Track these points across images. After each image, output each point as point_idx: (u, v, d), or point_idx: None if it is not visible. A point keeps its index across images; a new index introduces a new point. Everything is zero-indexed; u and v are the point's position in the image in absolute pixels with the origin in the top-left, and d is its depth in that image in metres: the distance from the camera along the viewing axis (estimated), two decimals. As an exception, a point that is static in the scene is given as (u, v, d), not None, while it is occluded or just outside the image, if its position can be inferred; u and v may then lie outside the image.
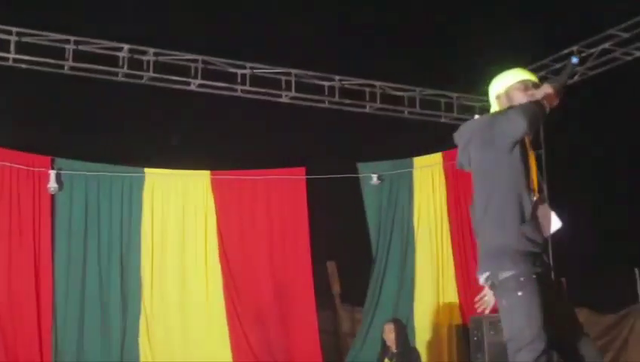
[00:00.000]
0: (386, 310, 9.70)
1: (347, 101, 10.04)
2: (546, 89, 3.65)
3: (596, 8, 9.40)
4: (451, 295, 10.06)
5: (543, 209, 3.62)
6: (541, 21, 10.94)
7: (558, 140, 10.99)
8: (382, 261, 10.01)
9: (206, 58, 9.18)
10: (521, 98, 3.71)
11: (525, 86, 3.78)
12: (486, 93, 11.14)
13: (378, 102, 10.19)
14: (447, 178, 10.42)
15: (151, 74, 8.93)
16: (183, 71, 9.14)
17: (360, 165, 10.17)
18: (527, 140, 3.66)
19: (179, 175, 9.46)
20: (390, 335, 8.11)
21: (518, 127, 3.48)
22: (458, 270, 10.12)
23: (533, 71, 10.23)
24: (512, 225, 3.55)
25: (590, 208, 11.43)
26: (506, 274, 3.50)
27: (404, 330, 8.34)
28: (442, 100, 10.70)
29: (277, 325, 9.33)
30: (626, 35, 9.38)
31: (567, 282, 11.09)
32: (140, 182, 9.25)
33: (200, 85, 9.24)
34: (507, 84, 3.83)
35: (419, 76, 10.37)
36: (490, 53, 11.25)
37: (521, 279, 3.46)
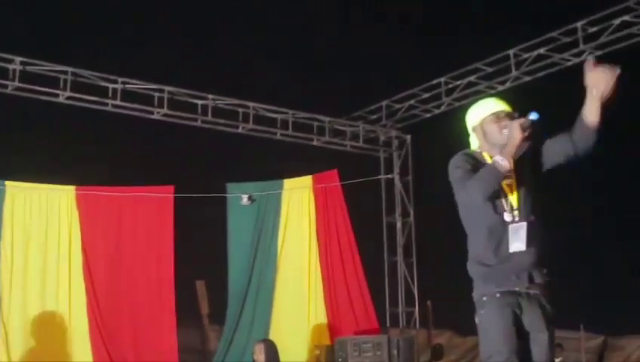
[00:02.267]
0: (245, 330, 9.69)
1: (220, 120, 9.98)
2: (514, 131, 3.68)
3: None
4: (320, 316, 10.13)
5: (516, 227, 3.71)
6: (412, 54, 11.35)
7: (421, 168, 11.35)
8: (243, 281, 9.99)
9: (77, 70, 8.94)
10: (494, 131, 3.81)
11: (497, 117, 3.84)
12: (355, 119, 11.49)
13: (251, 123, 10.19)
14: (316, 200, 10.51)
15: (16, 83, 8.61)
16: (52, 82, 8.86)
17: (229, 185, 10.14)
18: None
19: (42, 189, 9.15)
20: (260, 356, 8.07)
21: (474, 199, 3.69)
22: (327, 292, 10.21)
23: (403, 99, 10.69)
24: (471, 248, 3.84)
25: (454, 235, 11.84)
26: (473, 296, 3.80)
27: (273, 351, 8.32)
28: (315, 123, 10.82)
29: (138, 344, 9.19)
30: (490, 70, 9.85)
31: (433, 305, 11.48)
32: (0, 194, 8.89)
33: (69, 98, 8.97)
34: (481, 117, 3.90)
35: (292, 99, 10.48)
36: (365, 79, 11.61)
37: (484, 298, 3.71)
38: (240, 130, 10.23)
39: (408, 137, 11.38)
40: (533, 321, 3.65)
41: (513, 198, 3.75)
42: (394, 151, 11.42)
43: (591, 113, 3.51)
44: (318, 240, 10.40)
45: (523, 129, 3.63)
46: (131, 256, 9.47)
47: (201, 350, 10.51)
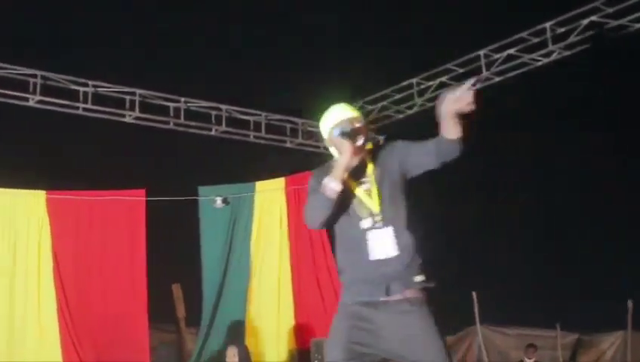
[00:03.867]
0: (219, 333, 9.67)
1: (192, 123, 9.95)
2: (342, 148, 3.50)
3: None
4: (289, 319, 10.13)
5: (376, 233, 3.52)
6: (383, 53, 11.37)
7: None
8: (217, 284, 9.97)
9: (46, 74, 8.87)
10: (339, 144, 3.55)
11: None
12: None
13: (224, 125, 10.17)
14: (288, 203, 10.48)
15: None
16: (22, 86, 8.78)
17: (200, 188, 10.09)
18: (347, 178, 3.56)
19: (11, 194, 9.07)
20: (233, 359, 8.06)
21: (310, 226, 3.62)
22: (296, 295, 10.20)
23: (376, 100, 10.72)
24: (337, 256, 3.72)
25: (432, 234, 11.88)
26: None
27: (246, 354, 8.32)
28: (288, 125, 10.83)
29: (110, 349, 9.12)
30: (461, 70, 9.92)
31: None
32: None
33: (39, 102, 8.91)
34: (327, 129, 3.69)
35: (265, 101, 10.47)
36: (338, 80, 11.62)
37: (339, 308, 3.56)
38: (213, 133, 10.21)
39: (381, 138, 11.40)
40: (394, 333, 3.41)
41: (373, 204, 3.55)
42: (368, 152, 11.42)
43: (448, 132, 3.33)
44: (289, 241, 10.38)
45: (353, 141, 3.46)
46: (103, 260, 9.42)
47: (178, 353, 10.44)
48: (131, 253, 9.53)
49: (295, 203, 10.47)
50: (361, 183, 3.58)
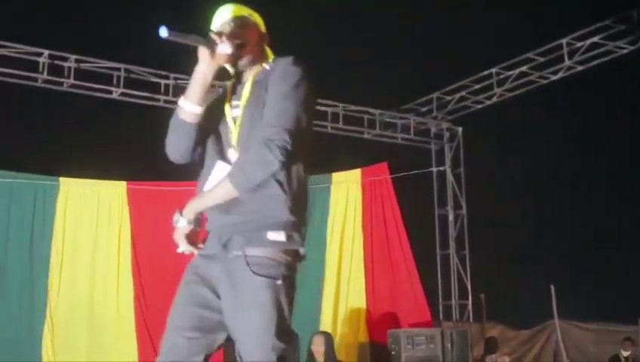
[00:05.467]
0: (293, 323, 9.70)
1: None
2: (200, 58, 2.83)
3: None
4: (362, 310, 10.11)
5: (221, 167, 2.90)
6: (461, 44, 11.24)
7: (473, 160, 11.27)
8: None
9: (128, 67, 9.05)
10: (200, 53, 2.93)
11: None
12: (406, 111, 11.38)
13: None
14: (364, 194, 10.47)
15: (72, 80, 8.74)
16: (105, 78, 8.98)
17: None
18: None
19: (94, 185, 9.29)
20: (320, 348, 8.08)
21: (168, 154, 3.01)
22: (369, 287, 10.17)
23: (453, 90, 10.59)
24: None
25: (507, 227, 11.74)
26: None
27: (332, 343, 8.33)
28: (365, 116, 10.80)
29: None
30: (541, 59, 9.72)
31: (485, 298, 11.38)
32: (54, 190, 9.05)
33: (122, 94, 9.09)
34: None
35: (343, 92, 10.46)
36: (416, 71, 11.54)
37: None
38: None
39: (460, 129, 11.28)
40: (227, 299, 2.78)
41: (234, 134, 2.90)
42: (445, 143, 11.33)
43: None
44: (364, 232, 10.36)
45: (209, 48, 2.77)
46: (179, 254, 9.53)
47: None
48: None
49: (371, 194, 10.45)
50: (236, 107, 2.94)
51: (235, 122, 2.89)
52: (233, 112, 2.92)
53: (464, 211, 11.10)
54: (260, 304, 2.71)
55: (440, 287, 10.96)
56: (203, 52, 2.77)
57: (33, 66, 8.62)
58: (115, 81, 9.00)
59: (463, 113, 10.98)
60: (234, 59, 2.86)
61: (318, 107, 10.38)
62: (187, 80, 9.16)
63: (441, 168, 11.26)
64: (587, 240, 12.96)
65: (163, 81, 9.31)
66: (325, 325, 9.75)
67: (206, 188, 2.91)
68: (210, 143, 2.98)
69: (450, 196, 11.17)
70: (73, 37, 8.70)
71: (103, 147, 9.83)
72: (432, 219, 11.20)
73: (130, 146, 9.66)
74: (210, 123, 2.96)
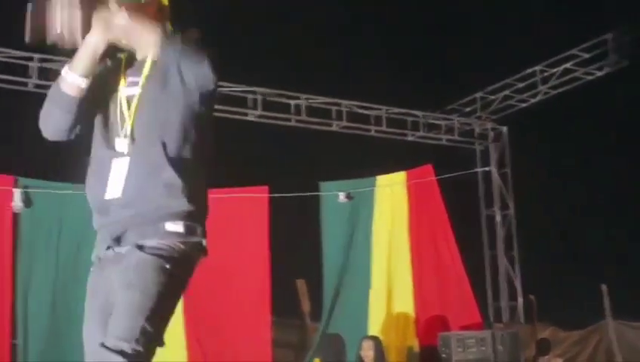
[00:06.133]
0: (340, 328, 9.69)
1: (314, 119, 10.04)
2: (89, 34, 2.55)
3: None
4: (410, 314, 10.04)
5: (119, 164, 2.61)
6: (504, 42, 11.13)
7: (525, 159, 11.15)
8: (338, 279, 9.97)
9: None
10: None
11: None
12: (449, 112, 11.31)
13: (344, 120, 10.20)
14: (409, 197, 10.38)
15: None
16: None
17: (322, 184, 10.14)
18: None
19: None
20: (369, 353, 8.04)
21: (42, 130, 2.71)
22: (417, 290, 10.09)
23: (496, 90, 10.49)
24: None
25: (556, 227, 11.58)
26: None
27: (381, 348, 8.29)
28: (408, 119, 10.75)
29: (234, 345, 9.30)
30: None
31: (537, 299, 11.23)
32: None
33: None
34: None
35: (385, 95, 10.44)
36: (458, 71, 11.47)
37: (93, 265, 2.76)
38: (334, 128, 10.26)
39: (504, 128, 11.16)
40: (123, 275, 2.53)
41: (128, 118, 2.61)
42: (490, 143, 11.22)
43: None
44: (410, 235, 10.29)
45: (106, 19, 2.50)
46: (227, 256, 9.54)
47: (303, 348, 10.57)
48: (255, 249, 9.66)
49: (416, 196, 10.36)
50: (132, 85, 2.66)
51: (129, 104, 2.62)
52: (128, 90, 2.65)
53: (512, 211, 10.98)
54: (140, 280, 2.47)
55: (489, 289, 10.84)
56: (97, 20, 2.50)
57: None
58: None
59: (508, 112, 10.87)
60: (130, 31, 2.53)
61: (362, 111, 10.38)
62: (229, 87, 9.43)
63: (487, 169, 11.16)
64: (640, 237, 12.72)
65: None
66: (373, 329, 9.69)
67: (108, 193, 2.58)
68: (98, 126, 2.69)
69: (497, 196, 11.06)
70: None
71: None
72: (478, 221, 11.10)
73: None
74: (98, 99, 2.68)
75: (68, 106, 2.58)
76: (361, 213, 10.22)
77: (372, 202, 10.31)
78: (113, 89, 2.70)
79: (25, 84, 8.72)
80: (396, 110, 10.62)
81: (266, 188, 9.76)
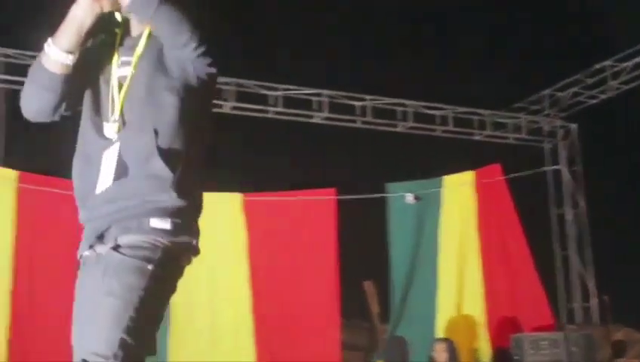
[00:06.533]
0: (408, 329, 9.64)
1: (379, 120, 10.02)
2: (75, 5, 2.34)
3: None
4: (480, 316, 9.92)
5: (109, 152, 2.37)
6: (572, 38, 10.93)
7: (596, 156, 10.93)
8: (406, 281, 9.93)
9: (240, 81, 9.26)
10: None
11: None
12: (516, 110, 11.14)
13: (410, 121, 10.16)
14: (477, 197, 10.27)
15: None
16: (218, 93, 9.18)
17: (389, 185, 10.11)
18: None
19: (210, 197, 9.42)
20: (442, 355, 7.98)
21: (23, 109, 2.49)
22: (487, 292, 9.97)
23: (565, 86, 10.30)
24: None
25: (629, 225, 11.30)
26: None
27: (455, 350, 8.22)
28: (475, 118, 10.65)
29: (303, 346, 9.33)
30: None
31: (610, 300, 10.96)
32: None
33: (233, 108, 9.29)
34: None
35: (451, 94, 10.36)
36: (524, 69, 11.29)
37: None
38: (399, 129, 10.22)
39: (574, 126, 10.95)
40: (101, 281, 2.26)
41: (116, 104, 2.39)
42: (559, 141, 11.02)
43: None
44: (479, 235, 10.17)
45: None
46: (295, 259, 9.63)
47: (368, 349, 10.56)
48: (323, 251, 9.68)
49: (484, 196, 10.24)
50: (125, 64, 2.42)
51: (120, 86, 2.39)
52: (120, 71, 2.41)
53: (584, 210, 10.76)
54: (118, 286, 2.21)
55: (561, 290, 10.65)
56: None
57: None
58: (227, 95, 9.23)
59: (577, 109, 10.67)
60: (119, 3, 2.32)
61: (427, 111, 10.31)
62: (295, 90, 9.51)
63: (557, 167, 10.96)
64: None
65: (272, 93, 9.44)
66: (442, 331, 9.63)
67: (99, 188, 2.34)
68: (87, 108, 2.47)
69: (568, 195, 10.85)
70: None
71: (217, 160, 10.02)
72: (548, 220, 10.91)
73: (243, 158, 9.83)
74: (89, 79, 2.46)
75: (50, 84, 2.34)
76: (428, 213, 10.15)
77: (439, 203, 10.22)
78: (107, 68, 2.45)
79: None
80: (462, 109, 10.53)
81: (333, 190, 9.78)
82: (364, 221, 10.07)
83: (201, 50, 2.33)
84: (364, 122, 9.96)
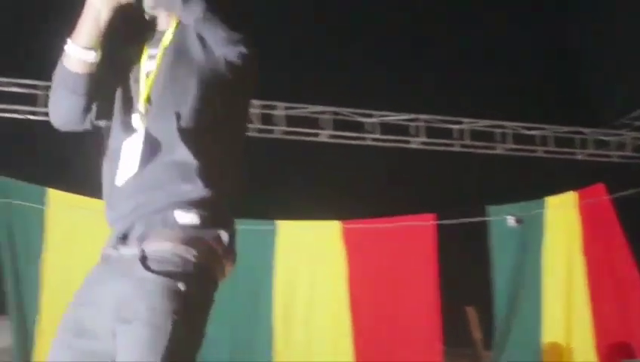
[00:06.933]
0: (513, 355, 9.44)
1: (478, 143, 9.94)
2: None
3: None
4: (586, 343, 9.63)
5: (131, 142, 2.23)
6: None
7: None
8: (510, 305, 9.72)
9: (336, 109, 9.34)
10: None
11: None
12: (619, 127, 10.84)
13: (509, 142, 10.04)
14: (582, 218, 10.02)
15: (282, 128, 9.13)
16: (314, 122, 9.29)
17: (490, 208, 9.96)
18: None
19: (310, 226, 9.56)
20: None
21: (52, 120, 2.37)
22: (596, 318, 9.67)
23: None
24: None
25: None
26: None
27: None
28: (576, 137, 10.42)
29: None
30: None
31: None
32: (272, 234, 9.37)
33: (330, 136, 9.37)
34: None
35: (550, 114, 10.19)
36: (627, 83, 10.98)
37: None
38: (498, 151, 10.11)
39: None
40: (124, 304, 2.04)
41: (142, 94, 2.27)
42: (668, 157, 10.68)
43: None
44: (585, 259, 9.90)
45: None
46: (396, 286, 9.59)
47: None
48: (423, 277, 9.60)
49: (589, 217, 9.97)
50: (152, 58, 2.30)
51: (147, 78, 2.27)
52: (147, 65, 2.29)
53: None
54: (148, 311, 1.99)
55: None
56: None
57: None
58: (323, 125, 9.30)
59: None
60: None
61: (527, 132, 10.16)
62: (391, 116, 9.54)
63: (666, 185, 10.59)
64: None
65: (368, 120, 9.50)
66: (547, 357, 9.42)
67: (118, 179, 2.17)
68: (118, 111, 2.31)
69: (679, 214, 10.47)
70: (282, 86, 9.05)
71: (314, 188, 10.13)
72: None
73: (340, 186, 9.90)
74: (117, 80, 2.32)
75: (75, 86, 2.19)
76: (531, 236, 9.95)
77: (542, 225, 10.01)
78: (136, 67, 2.33)
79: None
80: (563, 129, 10.34)
81: (432, 215, 9.72)
82: (465, 245, 9.96)
83: (241, 40, 2.23)
84: (462, 145, 9.90)
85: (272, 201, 9.81)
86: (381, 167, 10.11)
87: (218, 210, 2.21)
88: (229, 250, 2.26)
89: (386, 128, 9.58)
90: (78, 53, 2.16)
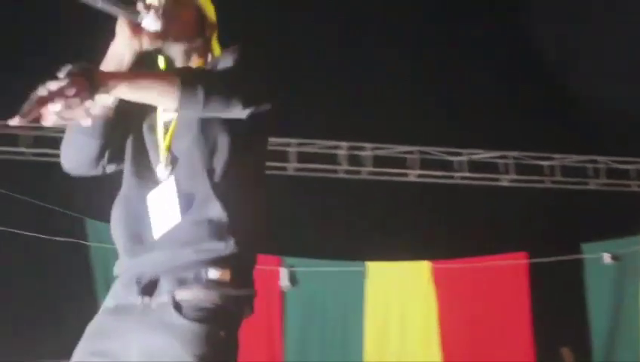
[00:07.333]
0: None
1: (569, 179, 9.76)
2: (114, 42, 2.17)
3: None
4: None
5: (158, 192, 2.18)
6: None
7: None
8: (609, 346, 9.50)
9: (424, 149, 9.32)
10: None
11: None
12: None
13: (602, 177, 9.83)
14: (682, 254, 9.72)
15: (370, 168, 9.15)
16: (402, 163, 9.30)
17: (584, 246, 9.74)
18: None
19: (399, 266, 9.53)
20: None
21: (64, 166, 2.36)
22: None
23: None
24: None
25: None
26: None
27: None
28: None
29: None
30: None
31: None
32: (362, 275, 9.36)
33: (419, 175, 9.36)
34: None
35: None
36: None
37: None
38: (591, 187, 9.90)
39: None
40: (156, 355, 1.99)
41: (163, 146, 2.22)
42: None
43: None
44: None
45: (133, 23, 2.10)
46: (488, 326, 9.45)
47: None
48: (516, 317, 9.46)
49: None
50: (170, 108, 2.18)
51: (166, 129, 2.23)
52: (165, 115, 2.25)
53: None
54: (193, 359, 1.95)
55: None
56: (122, 24, 2.11)
57: (332, 159, 9.16)
58: (411, 164, 9.30)
59: None
60: (162, 41, 2.19)
61: (620, 166, 9.94)
62: (479, 154, 9.43)
63: None
64: None
65: (456, 158, 9.45)
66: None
67: (155, 232, 2.14)
68: (130, 158, 2.29)
69: None
70: (370, 127, 9.11)
71: (403, 228, 10.10)
72: None
73: (430, 225, 9.85)
74: (130, 126, 2.30)
75: (92, 130, 2.14)
76: (628, 273, 9.67)
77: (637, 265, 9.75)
78: (152, 115, 2.30)
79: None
80: (658, 162, 10.06)
81: (524, 254, 9.57)
82: (559, 284, 9.75)
83: (253, 106, 2.17)
84: (553, 181, 9.73)
85: (362, 242, 9.82)
86: (469, 205, 10.02)
87: (247, 268, 2.20)
88: (252, 304, 2.23)
89: (475, 167, 9.52)
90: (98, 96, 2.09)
